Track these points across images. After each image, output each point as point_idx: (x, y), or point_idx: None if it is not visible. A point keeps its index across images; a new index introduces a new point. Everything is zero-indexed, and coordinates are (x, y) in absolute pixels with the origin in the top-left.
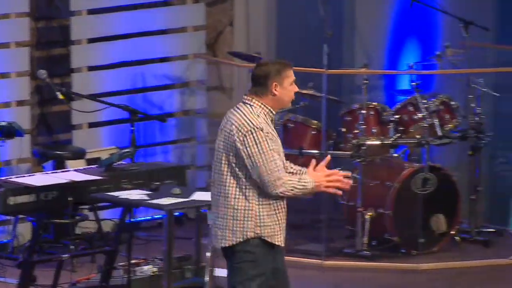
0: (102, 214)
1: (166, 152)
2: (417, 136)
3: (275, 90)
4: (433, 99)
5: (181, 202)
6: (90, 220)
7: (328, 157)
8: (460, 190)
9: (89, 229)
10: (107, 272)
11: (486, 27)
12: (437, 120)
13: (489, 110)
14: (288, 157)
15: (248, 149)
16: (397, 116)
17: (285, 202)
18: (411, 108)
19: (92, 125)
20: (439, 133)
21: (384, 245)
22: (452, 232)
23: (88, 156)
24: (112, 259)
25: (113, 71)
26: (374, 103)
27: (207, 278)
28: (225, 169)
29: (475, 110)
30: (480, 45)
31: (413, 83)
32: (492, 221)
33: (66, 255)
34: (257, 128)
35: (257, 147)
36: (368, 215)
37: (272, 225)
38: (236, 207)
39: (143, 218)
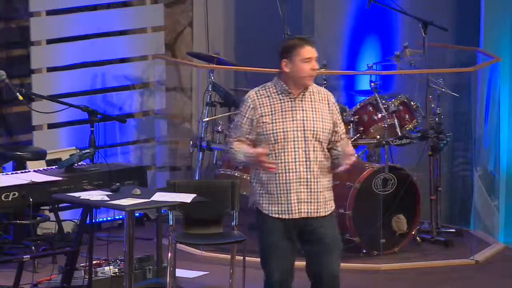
0: (63, 214)
1: (126, 152)
2: (377, 137)
3: (286, 67)
4: (392, 99)
5: (141, 202)
6: (50, 220)
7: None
8: (420, 190)
9: (49, 230)
10: (68, 273)
11: (445, 28)
12: (397, 120)
13: (448, 110)
14: None
15: None
16: (356, 117)
17: (290, 175)
18: (370, 109)
19: (52, 126)
20: (399, 133)
21: (344, 246)
22: (412, 233)
23: (48, 157)
24: (73, 260)
25: (73, 72)
26: None
27: (168, 279)
28: None
29: (435, 110)
30: (439, 46)
31: (373, 84)
32: (453, 221)
33: (27, 256)
34: (244, 99)
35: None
36: None
37: (263, 194)
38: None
39: (104, 219)
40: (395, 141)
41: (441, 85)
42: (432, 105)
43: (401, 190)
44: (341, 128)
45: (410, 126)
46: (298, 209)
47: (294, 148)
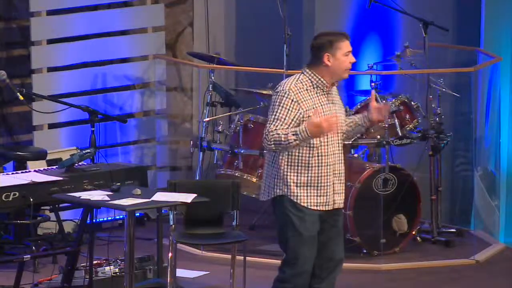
0: (63, 214)
1: (126, 152)
2: (378, 136)
3: (328, 61)
4: (393, 99)
5: (142, 202)
6: (51, 220)
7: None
8: (421, 190)
9: (50, 230)
10: (69, 273)
11: (446, 28)
12: (397, 120)
13: (448, 110)
14: (247, 157)
15: (270, 107)
16: None
17: (329, 167)
18: None
19: (52, 126)
20: (400, 133)
21: (345, 246)
22: (413, 233)
23: (48, 157)
24: (73, 260)
25: (73, 71)
26: None
27: (168, 279)
28: None
29: (435, 110)
30: (440, 45)
31: (373, 83)
32: (453, 221)
33: (28, 256)
34: (283, 91)
35: (273, 107)
36: None
37: (301, 187)
38: (271, 164)
39: (105, 219)
40: (395, 141)
41: (442, 85)
42: (433, 105)
43: (402, 190)
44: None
45: (410, 126)
46: (333, 200)
47: (331, 141)
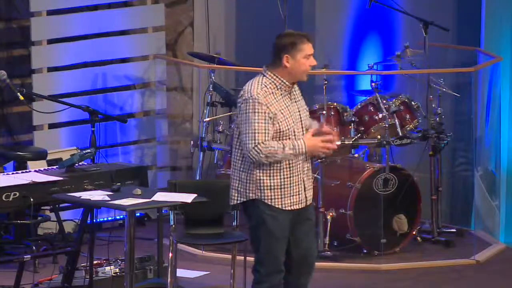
0: (64, 214)
1: (127, 152)
2: (378, 137)
3: (287, 62)
4: (393, 99)
5: (142, 202)
6: (51, 220)
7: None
8: (421, 190)
9: (50, 230)
10: (69, 273)
11: (446, 28)
12: (398, 120)
13: (449, 110)
14: None
15: (240, 115)
16: (357, 117)
17: (298, 166)
18: (371, 109)
19: (52, 126)
20: (400, 133)
21: (345, 246)
22: (413, 233)
23: (49, 157)
24: (74, 260)
25: (73, 71)
26: (334, 104)
27: (169, 279)
28: (236, 132)
29: (435, 110)
30: (440, 45)
31: (373, 83)
32: (453, 221)
33: (28, 256)
34: (253, 98)
35: (246, 115)
36: (329, 215)
37: (275, 189)
38: (241, 169)
39: (105, 219)
40: (395, 141)
41: (442, 85)
42: (433, 105)
43: (402, 190)
44: None
45: (411, 126)
46: (305, 197)
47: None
